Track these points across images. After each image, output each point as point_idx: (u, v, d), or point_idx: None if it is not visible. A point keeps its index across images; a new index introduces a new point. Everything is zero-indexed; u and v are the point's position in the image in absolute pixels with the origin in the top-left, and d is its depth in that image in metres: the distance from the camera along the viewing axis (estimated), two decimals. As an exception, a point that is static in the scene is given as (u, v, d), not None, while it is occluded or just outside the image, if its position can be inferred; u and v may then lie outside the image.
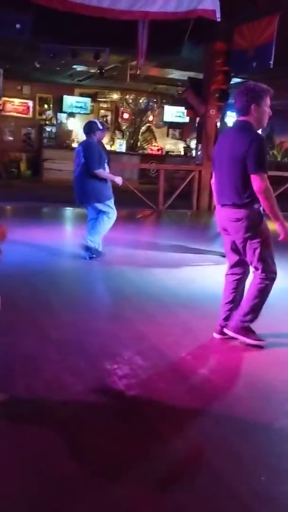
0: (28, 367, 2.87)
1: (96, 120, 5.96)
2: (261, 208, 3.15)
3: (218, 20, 8.29)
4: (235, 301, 3.40)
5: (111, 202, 5.50)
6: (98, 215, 5.47)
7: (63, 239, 7.20)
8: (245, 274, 3.43)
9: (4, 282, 4.13)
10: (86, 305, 4.18)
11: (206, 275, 5.22)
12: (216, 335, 3.46)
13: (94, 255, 5.46)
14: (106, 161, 5.49)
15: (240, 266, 3.39)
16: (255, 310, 3.29)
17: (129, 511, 1.81)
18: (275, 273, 3.25)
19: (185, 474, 2.06)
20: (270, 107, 3.15)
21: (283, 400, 2.70)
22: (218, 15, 8.19)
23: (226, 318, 3.41)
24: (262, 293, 3.25)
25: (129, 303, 4.21)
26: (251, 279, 3.31)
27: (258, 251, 3.17)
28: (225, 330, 3.37)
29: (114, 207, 5.53)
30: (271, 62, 8.55)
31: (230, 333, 3.34)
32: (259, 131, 3.24)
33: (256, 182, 3.02)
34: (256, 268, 3.24)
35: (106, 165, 5.46)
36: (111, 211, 5.48)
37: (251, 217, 3.13)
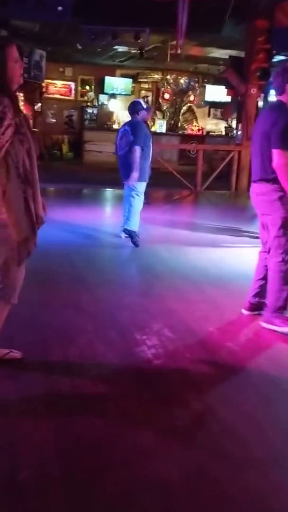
0: (64, 336, 3.11)
1: (140, 100, 6.06)
2: None
3: None
4: (266, 279, 3.46)
5: (143, 185, 5.59)
6: (131, 194, 5.61)
7: (102, 220, 7.43)
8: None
9: (45, 259, 4.43)
10: (120, 282, 4.39)
11: (237, 255, 5.32)
12: (244, 311, 3.59)
13: (133, 237, 5.51)
14: (151, 142, 5.60)
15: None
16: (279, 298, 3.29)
17: (152, 462, 2.01)
18: None
19: (204, 434, 2.24)
20: None
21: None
22: None
23: (256, 295, 3.53)
24: (282, 276, 3.26)
25: (160, 281, 4.38)
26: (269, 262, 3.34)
27: (278, 227, 3.22)
28: (261, 323, 3.40)
29: (141, 193, 5.61)
30: (314, 39, 8.36)
31: (265, 325, 3.37)
32: None
33: (276, 157, 3.12)
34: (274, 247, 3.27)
35: (151, 146, 5.60)
36: (140, 193, 5.60)
37: (276, 192, 3.21)
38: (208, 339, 3.20)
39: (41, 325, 3.26)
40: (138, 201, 5.62)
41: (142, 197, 5.66)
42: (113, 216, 7.04)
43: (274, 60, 10.82)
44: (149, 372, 2.76)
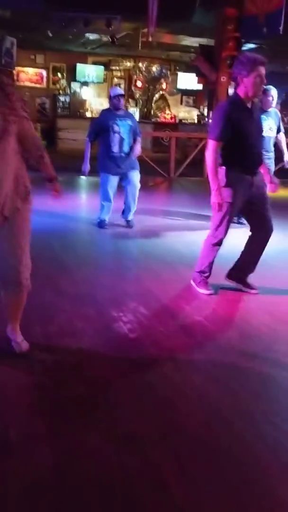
0: (43, 316, 3.27)
1: (111, 89, 6.08)
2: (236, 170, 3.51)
3: None
4: (241, 256, 3.80)
5: (105, 176, 5.65)
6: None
7: (78, 207, 7.54)
8: (254, 234, 3.75)
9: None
10: (97, 265, 4.56)
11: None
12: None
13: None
14: (117, 130, 5.53)
15: (251, 227, 3.75)
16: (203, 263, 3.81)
17: (129, 418, 2.20)
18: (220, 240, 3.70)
19: (180, 400, 2.44)
20: (262, 77, 3.37)
21: (268, 339, 3.06)
22: None
23: (232, 267, 3.86)
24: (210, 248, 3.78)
25: (136, 263, 4.58)
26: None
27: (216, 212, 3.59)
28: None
29: (106, 184, 5.66)
30: (281, 28, 8.59)
31: (192, 281, 3.89)
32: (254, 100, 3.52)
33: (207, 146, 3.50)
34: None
35: (114, 134, 5.53)
36: (102, 184, 5.71)
37: (223, 178, 3.51)
38: (181, 314, 3.41)
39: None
40: (101, 191, 5.74)
41: (105, 187, 5.67)
42: (89, 202, 7.17)
43: (243, 48, 11.01)
44: (125, 345, 2.95)
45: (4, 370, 2.57)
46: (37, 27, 12.25)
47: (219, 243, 3.72)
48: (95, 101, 16.71)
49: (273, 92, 5.52)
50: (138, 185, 5.84)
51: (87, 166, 5.73)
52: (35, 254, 4.50)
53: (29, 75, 16.14)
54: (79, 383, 2.48)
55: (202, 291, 3.78)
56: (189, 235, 5.72)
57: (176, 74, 17.24)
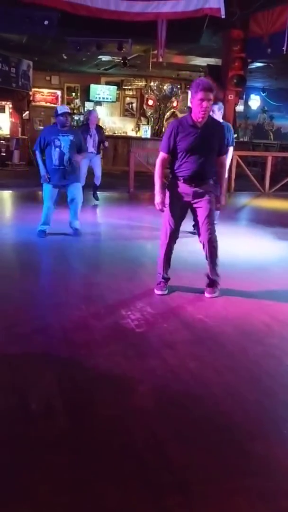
0: (60, 313, 3.64)
1: (58, 107, 6.41)
2: (177, 179, 3.96)
3: (223, 17, 8.96)
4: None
5: (45, 187, 6.02)
6: None
7: (88, 219, 7.96)
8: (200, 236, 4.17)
9: (38, 254, 4.96)
10: (108, 271, 4.94)
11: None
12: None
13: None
14: (58, 145, 5.85)
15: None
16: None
17: (137, 395, 2.55)
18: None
19: (174, 379, 2.78)
20: (205, 101, 3.63)
21: (262, 334, 3.39)
22: (222, 12, 8.88)
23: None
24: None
25: (144, 269, 4.93)
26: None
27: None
28: None
29: (47, 195, 6.01)
30: (284, 49, 9.01)
31: None
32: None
33: None
34: None
35: (54, 148, 5.87)
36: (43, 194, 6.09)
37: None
38: (183, 313, 3.76)
39: (40, 304, 3.81)
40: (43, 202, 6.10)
41: (45, 198, 6.04)
42: (87, 215, 7.59)
43: (250, 67, 11.47)
44: (132, 337, 3.30)
45: (26, 356, 2.94)
46: (52, 50, 12.88)
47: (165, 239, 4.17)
48: (108, 120, 17.31)
49: (217, 107, 5.85)
50: (80, 196, 6.21)
51: (44, 171, 5.99)
52: (48, 263, 5.00)
53: (44, 95, 16.80)
54: (89, 369, 2.84)
55: (158, 292, 4.16)
56: (194, 244, 6.04)
57: (187, 93, 17.74)
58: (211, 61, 12.37)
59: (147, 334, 3.36)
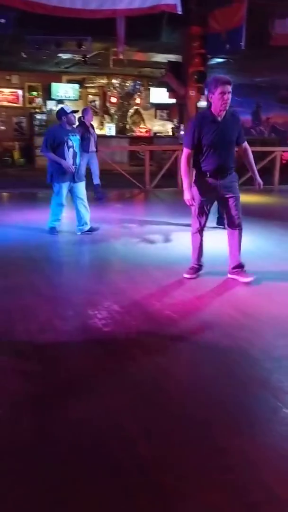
0: (25, 315, 3.58)
1: (63, 106, 6.47)
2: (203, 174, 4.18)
3: (179, 13, 8.95)
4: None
5: (59, 186, 6.09)
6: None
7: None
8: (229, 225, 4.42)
9: (5, 254, 4.88)
10: (75, 270, 4.92)
11: (181, 244, 5.90)
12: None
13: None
14: (71, 145, 5.97)
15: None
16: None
17: (102, 394, 2.53)
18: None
19: (142, 374, 2.77)
20: (225, 94, 3.88)
21: (227, 327, 3.42)
22: (179, 8, 8.89)
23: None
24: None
25: (112, 267, 4.92)
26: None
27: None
28: None
29: (62, 193, 6.10)
30: (242, 44, 9.13)
31: None
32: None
33: None
34: None
35: (67, 148, 5.96)
36: (55, 193, 6.15)
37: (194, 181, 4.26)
38: (151, 310, 3.75)
39: (4, 307, 3.74)
40: (54, 200, 6.21)
41: (59, 197, 6.15)
42: (66, 215, 7.48)
43: (210, 63, 11.56)
44: (100, 336, 3.28)
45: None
46: (11, 49, 12.64)
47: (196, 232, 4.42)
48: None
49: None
50: (85, 194, 6.31)
51: (66, 164, 5.98)
52: (16, 263, 4.90)
53: (5, 95, 16.51)
54: (63, 373, 2.80)
55: (186, 275, 4.45)
56: (162, 242, 6.08)
57: (149, 89, 17.78)
58: (172, 57, 12.39)
59: (115, 332, 3.34)
